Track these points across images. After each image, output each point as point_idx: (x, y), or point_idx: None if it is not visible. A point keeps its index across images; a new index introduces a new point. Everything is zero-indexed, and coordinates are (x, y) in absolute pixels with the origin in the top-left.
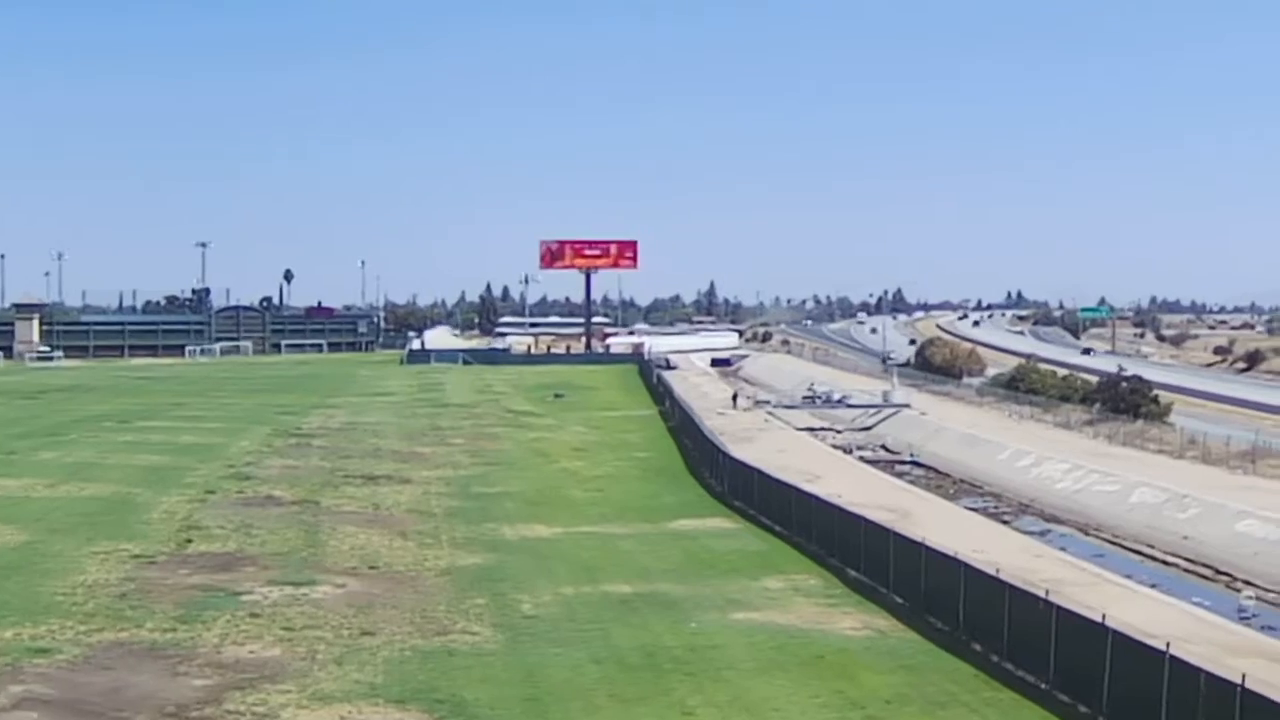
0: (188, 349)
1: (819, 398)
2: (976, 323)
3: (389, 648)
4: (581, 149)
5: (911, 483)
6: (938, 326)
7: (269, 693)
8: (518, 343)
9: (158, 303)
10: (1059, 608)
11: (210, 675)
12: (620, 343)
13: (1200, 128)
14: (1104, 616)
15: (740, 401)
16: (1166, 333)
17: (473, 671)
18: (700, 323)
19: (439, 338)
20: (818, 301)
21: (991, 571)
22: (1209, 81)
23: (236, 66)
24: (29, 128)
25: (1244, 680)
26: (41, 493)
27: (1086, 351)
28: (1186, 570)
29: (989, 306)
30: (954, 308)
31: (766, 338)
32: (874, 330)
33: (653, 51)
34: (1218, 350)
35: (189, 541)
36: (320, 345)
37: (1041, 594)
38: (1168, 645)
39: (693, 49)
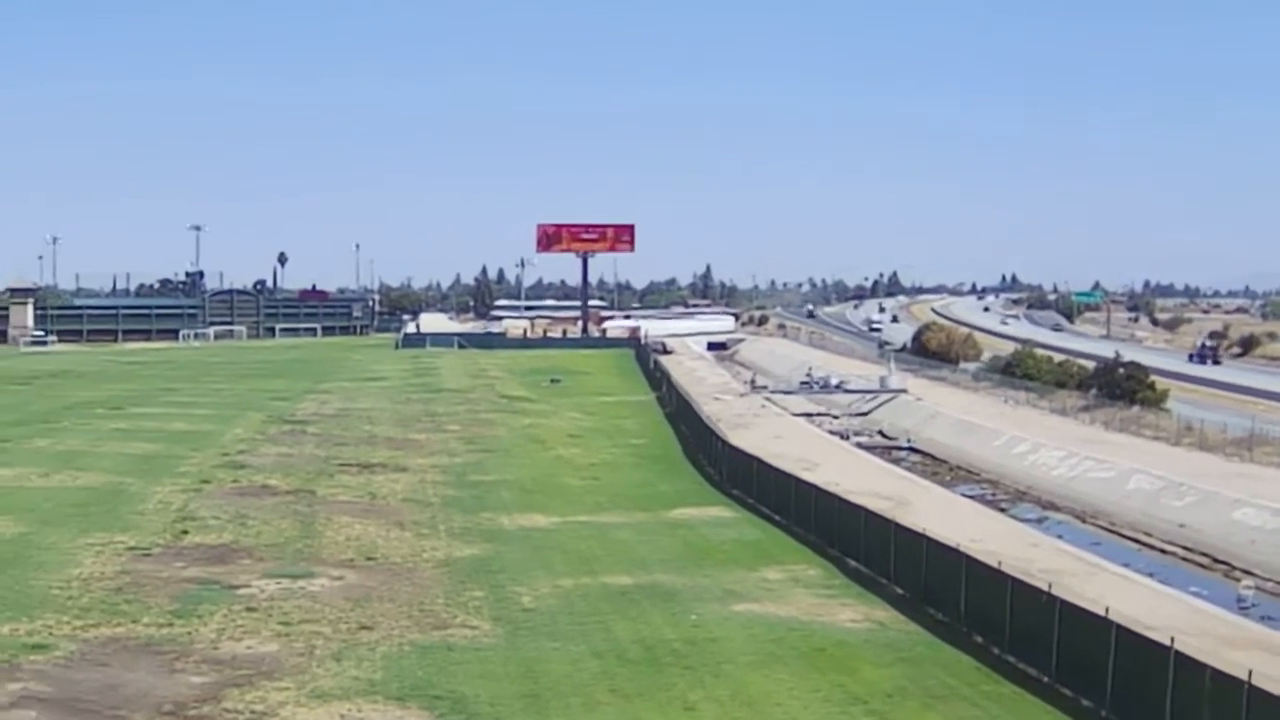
0: (181, 333)
1: (816, 383)
2: (986, 308)
3: (387, 643)
4: (578, 131)
5: (908, 469)
6: (933, 310)
7: (267, 690)
8: (513, 327)
9: (152, 286)
10: (1062, 601)
11: (207, 672)
12: (616, 327)
13: (1197, 112)
14: (1107, 610)
15: (745, 386)
16: (1160, 317)
17: (472, 667)
18: (696, 306)
19: (434, 321)
20: (814, 285)
21: (993, 563)
22: (1207, 67)
23: (237, 57)
24: (23, 111)
25: (1250, 677)
26: (35, 482)
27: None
28: (1184, 559)
29: (984, 290)
30: (950, 291)
31: (763, 321)
32: (881, 320)
33: (651, 31)
34: (1212, 335)
35: (184, 533)
36: (314, 329)
37: (1044, 586)
38: (1172, 640)
39: (690, 29)
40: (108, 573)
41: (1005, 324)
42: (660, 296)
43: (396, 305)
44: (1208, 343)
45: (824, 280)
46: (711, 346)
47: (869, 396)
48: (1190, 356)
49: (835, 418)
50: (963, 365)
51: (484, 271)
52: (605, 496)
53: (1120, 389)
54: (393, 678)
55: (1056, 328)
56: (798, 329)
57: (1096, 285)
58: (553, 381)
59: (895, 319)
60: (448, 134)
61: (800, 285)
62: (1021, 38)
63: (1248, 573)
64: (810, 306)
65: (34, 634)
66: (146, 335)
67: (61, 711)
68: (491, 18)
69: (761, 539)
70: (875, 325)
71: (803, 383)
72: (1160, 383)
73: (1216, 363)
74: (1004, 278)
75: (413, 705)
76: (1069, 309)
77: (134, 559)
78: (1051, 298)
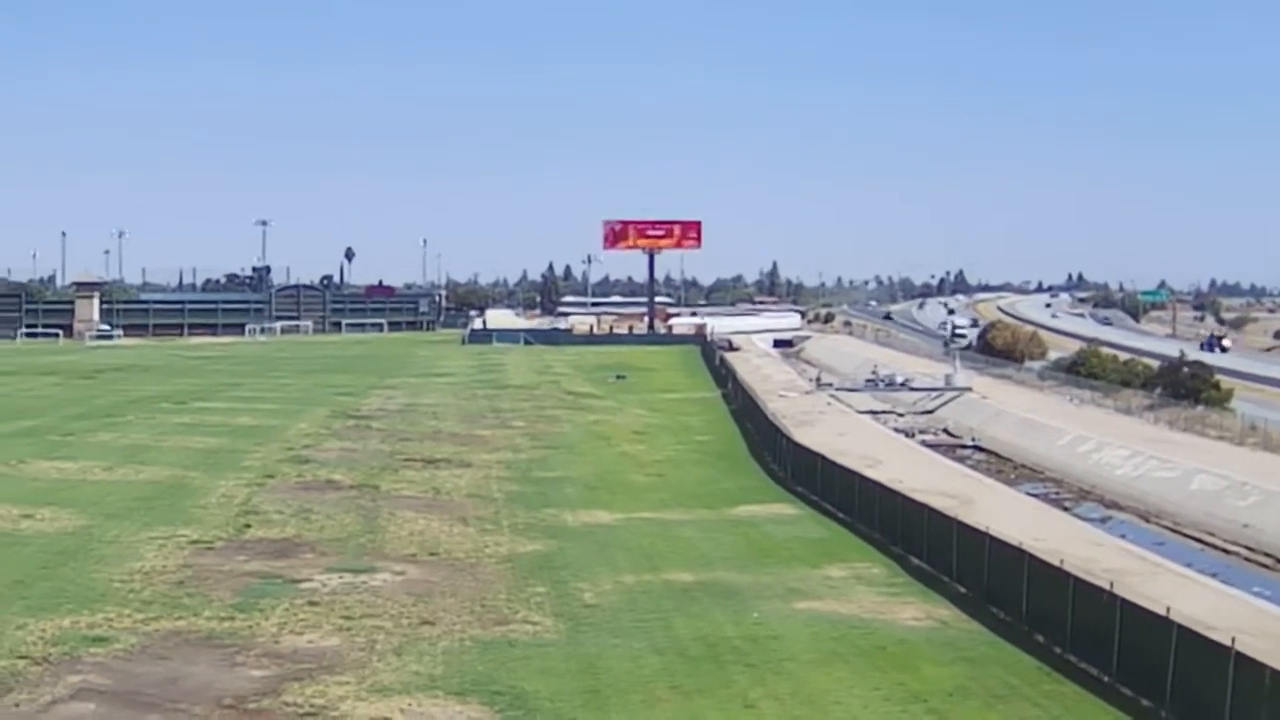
0: (248, 328)
1: (881, 380)
2: (1048, 305)
3: (448, 638)
4: (646, 127)
5: (973, 467)
6: (999, 309)
7: (327, 684)
8: (579, 323)
9: (218, 281)
10: (1123, 600)
11: (268, 666)
12: (683, 323)
13: (1260, 108)
14: (1168, 610)
15: (810, 383)
16: (1226, 316)
17: (533, 663)
18: (762, 303)
19: (500, 317)
20: (879, 282)
21: (1055, 562)
22: (1269, 60)
23: (304, 49)
24: (89, 106)
25: None
26: (98, 476)
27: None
28: (1247, 559)
29: (1050, 288)
30: (1015, 289)
31: (829, 319)
32: (962, 324)
33: (719, 28)
34: (1278, 334)
35: (247, 527)
36: (381, 324)
37: (1105, 586)
38: (1233, 640)
39: (758, 26)
40: (170, 566)
41: (1056, 317)
42: (727, 293)
43: (463, 301)
44: (1215, 333)
45: (890, 278)
46: (777, 344)
47: (934, 394)
48: (1201, 345)
49: (900, 415)
50: (1028, 364)
51: (550, 268)
52: (669, 493)
53: (1185, 388)
54: (453, 673)
55: (1105, 322)
56: (864, 326)
57: (1162, 284)
58: (618, 378)
59: (975, 323)
60: (515, 130)
61: (866, 283)
62: (1088, 46)
63: None
64: (874, 303)
65: (95, 627)
66: (212, 330)
67: (121, 704)
68: (557, 13)
69: (825, 536)
70: (959, 331)
71: (868, 380)
72: (1225, 382)
73: (1224, 350)
74: (1070, 276)
75: (473, 700)
76: (1134, 308)
77: (196, 553)
78: (1117, 296)
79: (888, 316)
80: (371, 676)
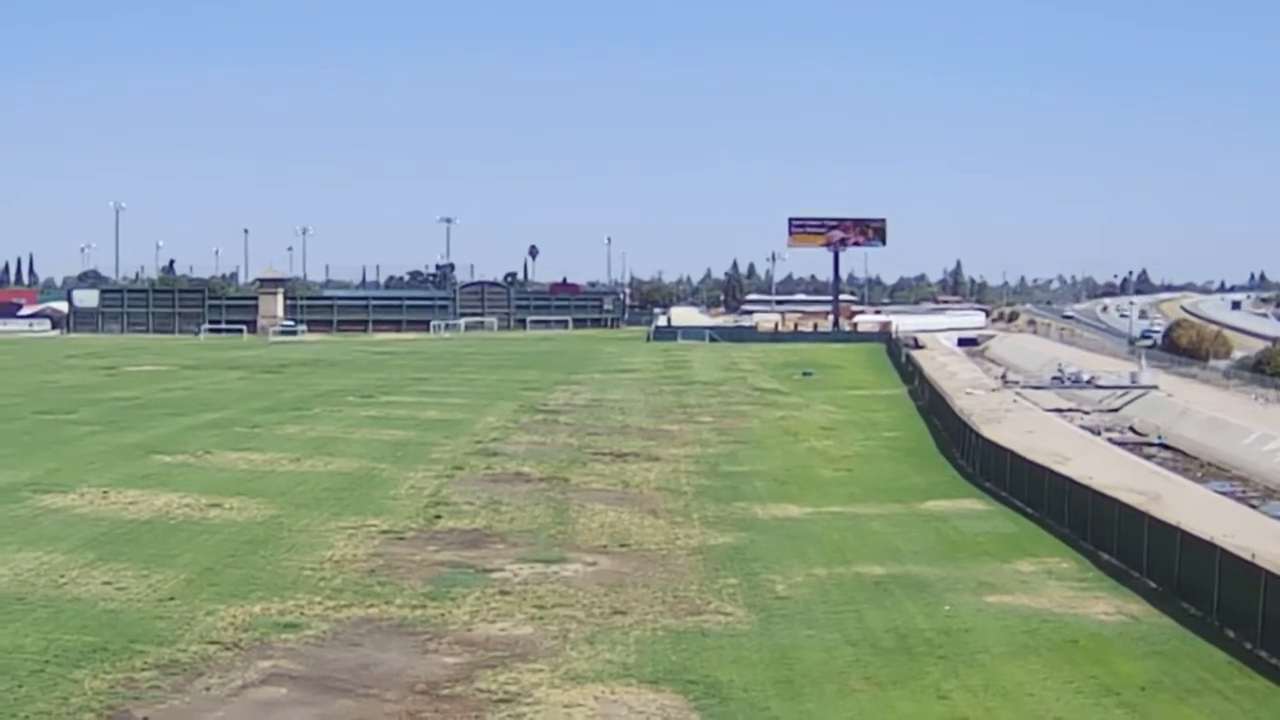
0: (432, 324)
1: (1067, 378)
2: (1237, 304)
3: (641, 627)
4: (831, 123)
5: (1159, 465)
6: (1182, 308)
7: (521, 671)
8: (764, 320)
9: (401, 278)
10: None
11: (460, 653)
12: (867, 321)
13: None
14: None
15: (996, 381)
16: None
17: (725, 653)
18: (946, 302)
19: (685, 314)
20: (1063, 282)
21: (1247, 557)
22: None
23: (492, 47)
24: (271, 103)
25: None
26: (286, 467)
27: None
28: None
29: (1232, 288)
30: (1198, 289)
31: (1013, 317)
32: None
33: (897, 24)
34: None
35: (437, 518)
36: (565, 321)
37: None
38: None
39: (937, 23)
40: (360, 555)
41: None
42: (910, 292)
43: (647, 299)
44: None
45: (1073, 277)
46: (962, 342)
47: (1119, 392)
48: None
49: (1086, 413)
50: (1212, 362)
51: (734, 265)
52: (858, 488)
53: None
54: (646, 661)
55: None
56: (1048, 325)
57: None
58: (804, 375)
59: (1142, 312)
60: (699, 127)
61: (1050, 282)
62: (1267, 39)
63: None
64: (1052, 304)
65: (286, 613)
66: (396, 326)
67: (312, 689)
68: (740, 11)
69: (1014, 531)
70: (1146, 333)
71: (1054, 378)
72: None
73: None
74: (1252, 276)
75: (667, 689)
76: None
77: (387, 542)
78: None
79: (1068, 316)
80: (565, 664)
